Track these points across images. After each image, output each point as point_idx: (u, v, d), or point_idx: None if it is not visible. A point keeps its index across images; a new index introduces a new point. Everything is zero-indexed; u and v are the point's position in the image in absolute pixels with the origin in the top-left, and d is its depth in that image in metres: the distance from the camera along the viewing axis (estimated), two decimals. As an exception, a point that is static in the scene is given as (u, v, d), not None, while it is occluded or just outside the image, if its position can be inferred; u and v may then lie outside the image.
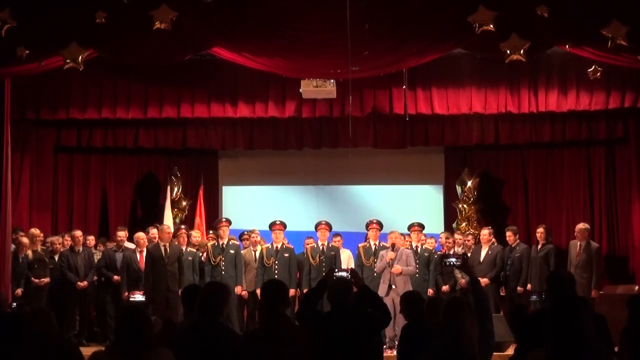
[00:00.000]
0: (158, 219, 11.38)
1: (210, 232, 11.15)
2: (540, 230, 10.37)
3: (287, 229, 10.74)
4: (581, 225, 10.34)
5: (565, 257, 10.37)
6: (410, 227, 10.64)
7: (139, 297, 7.61)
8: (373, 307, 4.92)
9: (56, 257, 10.41)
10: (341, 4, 8.33)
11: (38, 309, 4.85)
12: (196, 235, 10.93)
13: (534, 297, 9.33)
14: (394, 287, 9.52)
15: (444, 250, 10.56)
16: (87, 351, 9.48)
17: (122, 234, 10.65)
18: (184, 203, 12.12)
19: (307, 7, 8.73)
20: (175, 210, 11.89)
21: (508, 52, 8.30)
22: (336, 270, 5.26)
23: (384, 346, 8.31)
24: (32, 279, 9.98)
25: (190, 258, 10.25)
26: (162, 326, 5.01)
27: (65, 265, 10.26)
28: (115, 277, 10.25)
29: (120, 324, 3.79)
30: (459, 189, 11.92)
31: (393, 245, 9.76)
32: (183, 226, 10.92)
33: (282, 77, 10.29)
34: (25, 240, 10.03)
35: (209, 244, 10.55)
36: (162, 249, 10.01)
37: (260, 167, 12.69)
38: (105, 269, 10.43)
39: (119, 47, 8.98)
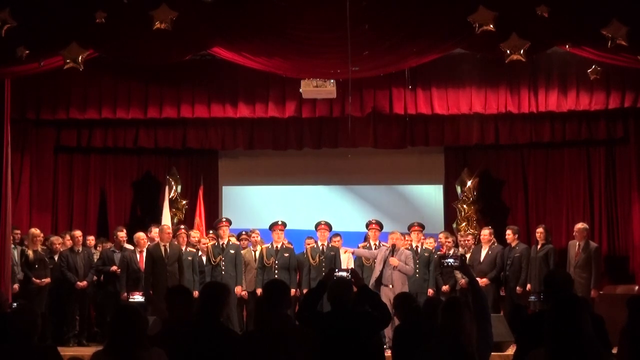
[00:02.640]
0: (157, 219, 11.38)
1: (211, 232, 11.15)
2: (539, 230, 10.37)
3: (287, 229, 10.76)
4: (580, 225, 10.35)
5: (565, 257, 10.38)
6: (410, 227, 10.64)
7: (138, 297, 7.67)
8: (373, 307, 4.92)
9: (56, 257, 10.42)
10: (341, 4, 8.33)
11: (24, 308, 4.82)
12: (195, 235, 10.93)
13: (533, 297, 9.33)
14: (390, 286, 9.53)
15: (443, 250, 10.56)
16: (87, 351, 9.55)
17: (122, 234, 10.66)
18: (183, 202, 12.12)
19: (307, 7, 8.72)
20: (174, 210, 11.89)
21: (508, 52, 8.28)
22: (336, 270, 5.27)
23: (384, 346, 8.30)
24: (33, 279, 9.98)
25: (190, 258, 10.26)
26: (161, 326, 5.00)
27: (64, 265, 10.27)
28: (113, 268, 10.25)
29: (114, 324, 3.81)
30: (459, 189, 11.92)
31: (394, 246, 9.76)
32: (182, 226, 10.93)
33: (282, 77, 10.29)
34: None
35: (209, 244, 10.56)
36: (162, 249, 10.02)
37: (260, 167, 12.69)
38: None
39: (119, 47, 8.98)
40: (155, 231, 10.57)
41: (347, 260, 10.54)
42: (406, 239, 10.42)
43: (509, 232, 10.48)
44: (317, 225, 10.66)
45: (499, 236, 10.68)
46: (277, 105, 11.12)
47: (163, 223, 10.91)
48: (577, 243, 10.22)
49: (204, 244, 10.61)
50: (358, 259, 10.39)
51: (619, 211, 11.53)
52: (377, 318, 4.87)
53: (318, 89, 10.17)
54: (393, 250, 9.72)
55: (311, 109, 11.16)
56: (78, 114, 11.16)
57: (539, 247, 10.26)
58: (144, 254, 10.14)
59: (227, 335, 4.35)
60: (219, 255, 10.42)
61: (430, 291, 10.20)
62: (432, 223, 11.84)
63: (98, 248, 10.96)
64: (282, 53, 9.14)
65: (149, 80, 11.08)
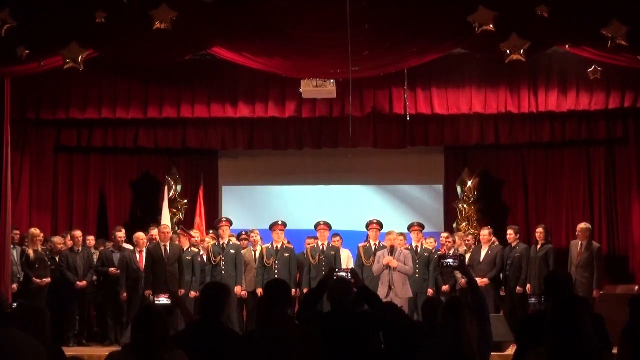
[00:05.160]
0: (156, 219, 11.38)
1: (211, 231, 11.16)
2: (539, 230, 10.37)
3: (287, 229, 10.76)
4: (583, 225, 10.34)
5: (564, 257, 10.37)
6: (410, 227, 10.65)
7: (164, 300, 7.56)
8: (373, 307, 4.91)
9: (58, 258, 10.41)
10: (341, 4, 8.33)
11: (32, 308, 4.83)
12: (195, 235, 10.94)
13: (533, 299, 9.35)
14: (392, 287, 9.52)
15: (443, 250, 10.56)
16: (87, 351, 9.54)
17: (120, 234, 10.65)
18: (183, 202, 12.12)
19: (308, 7, 8.72)
20: (173, 210, 11.89)
21: (508, 52, 8.29)
22: (337, 270, 5.26)
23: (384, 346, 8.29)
24: (33, 279, 9.98)
25: (189, 258, 10.26)
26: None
27: (65, 265, 10.27)
28: (112, 270, 10.25)
29: (135, 325, 3.81)
30: (459, 189, 11.93)
31: (392, 248, 9.75)
32: (181, 226, 10.93)
33: (282, 77, 10.28)
34: None
35: (209, 244, 10.56)
36: (162, 249, 10.03)
37: (260, 167, 12.69)
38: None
39: (119, 47, 8.98)
40: (153, 232, 10.58)
41: (347, 260, 10.54)
42: (405, 238, 10.43)
43: (510, 232, 10.48)
44: (317, 225, 10.66)
45: (500, 236, 10.68)
46: (277, 105, 11.12)
47: (163, 223, 10.91)
48: (580, 243, 10.21)
49: (207, 243, 10.61)
50: (358, 259, 10.40)
51: (619, 211, 11.53)
52: (377, 318, 4.87)
53: (318, 89, 10.17)
54: (392, 251, 9.72)
55: (311, 109, 11.16)
56: (78, 114, 11.16)
57: (538, 247, 10.26)
58: (144, 254, 10.15)
59: (229, 336, 4.35)
60: (219, 255, 10.42)
61: (430, 291, 10.20)
62: (432, 223, 11.84)
63: (101, 248, 10.95)
64: (282, 53, 9.14)
65: (149, 80, 11.07)
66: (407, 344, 4.67)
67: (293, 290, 9.84)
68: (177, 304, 6.63)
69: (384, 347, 5.14)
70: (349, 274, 5.13)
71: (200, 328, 4.34)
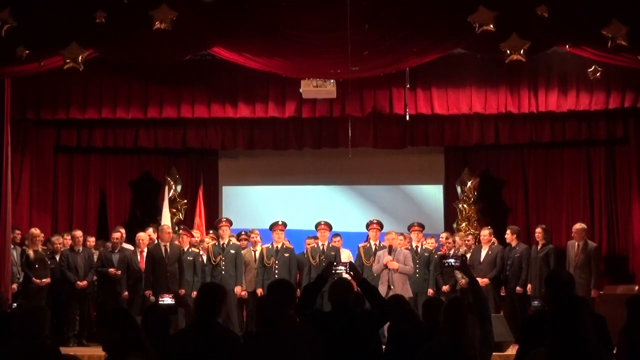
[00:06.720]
0: (156, 220, 11.38)
1: (211, 231, 11.16)
2: (538, 230, 10.37)
3: (287, 229, 10.76)
4: (578, 226, 10.34)
5: (565, 257, 10.38)
6: (410, 227, 10.65)
7: (168, 300, 7.51)
8: (372, 300, 4.88)
9: (57, 257, 10.40)
10: (341, 4, 8.33)
11: (32, 308, 4.84)
12: (195, 235, 10.93)
13: (536, 302, 9.33)
14: (392, 287, 9.52)
15: (443, 250, 10.56)
16: (87, 351, 9.52)
17: (117, 235, 10.63)
18: (183, 202, 12.11)
19: (308, 7, 8.72)
20: (173, 210, 11.88)
21: (508, 52, 8.29)
22: (335, 264, 5.25)
23: (384, 345, 8.28)
24: (33, 279, 9.98)
25: (190, 258, 10.26)
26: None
27: (65, 265, 10.27)
28: (111, 270, 10.24)
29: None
30: (459, 189, 11.92)
31: (390, 247, 9.74)
32: (182, 226, 10.92)
33: (282, 77, 10.29)
34: None
35: (209, 244, 10.56)
36: (163, 249, 10.02)
37: (260, 167, 12.69)
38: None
39: (119, 47, 8.97)
40: (149, 232, 10.58)
41: (347, 260, 10.52)
42: (406, 237, 10.42)
43: (508, 232, 10.49)
44: (317, 225, 10.66)
45: (500, 236, 10.68)
46: (277, 105, 11.12)
47: (163, 223, 10.91)
48: (576, 243, 10.22)
49: (207, 243, 10.61)
50: (358, 259, 10.40)
51: (619, 211, 11.52)
52: (377, 317, 4.86)
53: (318, 89, 10.18)
54: (390, 251, 9.71)
55: (311, 109, 11.16)
56: (78, 114, 11.16)
57: (539, 247, 10.26)
58: (145, 253, 10.15)
59: (225, 336, 4.34)
60: (219, 255, 10.42)
61: (430, 291, 10.20)
62: (432, 223, 11.84)
63: (100, 249, 10.94)
64: (282, 53, 9.14)
65: (149, 80, 11.07)
66: (408, 339, 4.68)
67: (294, 291, 9.83)
68: (180, 304, 6.65)
69: (386, 344, 5.15)
70: (347, 268, 5.13)
71: (197, 328, 4.34)
